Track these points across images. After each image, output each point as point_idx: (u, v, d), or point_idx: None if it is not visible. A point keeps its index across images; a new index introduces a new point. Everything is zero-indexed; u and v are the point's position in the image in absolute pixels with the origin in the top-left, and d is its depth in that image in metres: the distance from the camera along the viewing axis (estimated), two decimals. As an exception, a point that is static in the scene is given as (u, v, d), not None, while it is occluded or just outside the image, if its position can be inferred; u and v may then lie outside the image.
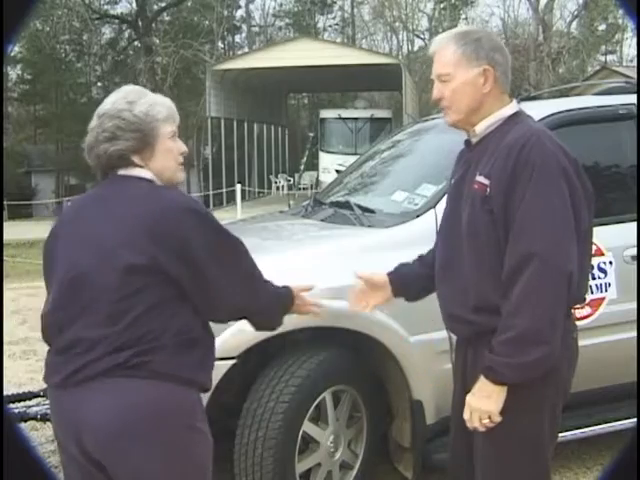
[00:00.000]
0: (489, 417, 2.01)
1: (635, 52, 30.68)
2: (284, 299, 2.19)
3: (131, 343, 1.77)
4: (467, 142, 2.26)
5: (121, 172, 1.94)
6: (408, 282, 2.48)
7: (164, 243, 1.80)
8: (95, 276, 1.81)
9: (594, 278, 3.26)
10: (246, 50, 34.30)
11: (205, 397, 2.66)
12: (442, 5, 39.66)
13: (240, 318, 2.12)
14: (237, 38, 41.61)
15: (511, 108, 2.16)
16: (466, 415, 2.06)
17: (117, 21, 33.76)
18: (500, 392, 2.00)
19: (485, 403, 2.01)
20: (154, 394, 1.78)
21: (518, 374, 1.96)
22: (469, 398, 2.06)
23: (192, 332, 1.87)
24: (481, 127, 2.15)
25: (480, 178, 2.06)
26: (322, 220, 3.72)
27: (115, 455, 1.78)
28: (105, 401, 1.75)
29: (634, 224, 3.18)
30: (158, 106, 1.96)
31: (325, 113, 25.84)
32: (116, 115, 1.91)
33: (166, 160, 1.97)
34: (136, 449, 1.76)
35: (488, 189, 2.02)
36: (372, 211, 3.52)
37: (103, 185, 1.99)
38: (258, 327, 2.22)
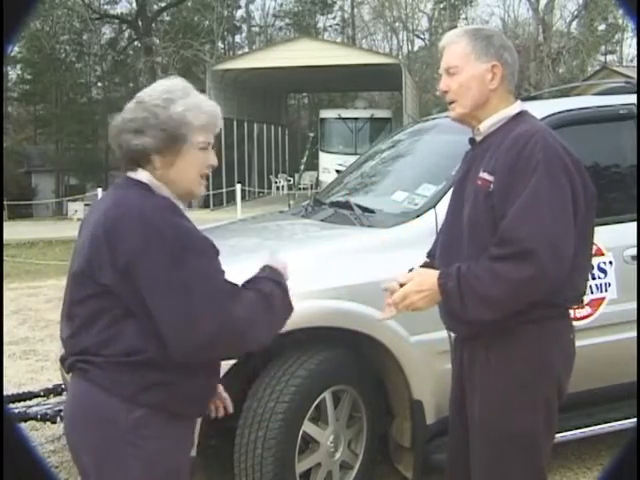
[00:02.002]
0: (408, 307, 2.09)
1: (635, 52, 30.69)
2: (274, 296, 1.86)
3: (77, 351, 1.82)
4: (471, 140, 2.26)
5: (129, 174, 1.86)
6: None
7: (106, 255, 1.70)
8: (70, 278, 1.87)
9: (594, 278, 3.26)
10: (246, 50, 34.32)
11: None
12: (442, 5, 39.67)
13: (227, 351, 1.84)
14: (237, 38, 41.68)
15: (515, 108, 2.17)
16: (396, 296, 2.10)
17: (117, 21, 33.79)
18: (434, 296, 2.06)
19: (417, 295, 2.07)
20: (92, 397, 1.79)
21: (458, 298, 2.00)
22: (409, 284, 2.09)
23: (141, 354, 1.73)
24: (485, 125, 2.16)
25: (484, 174, 2.07)
26: (322, 220, 3.72)
27: (69, 441, 1.91)
28: (69, 390, 1.92)
29: (634, 224, 3.18)
30: (198, 111, 1.81)
31: (325, 113, 25.85)
32: (149, 108, 1.78)
33: (188, 170, 1.81)
34: (75, 443, 1.87)
35: (492, 185, 2.03)
36: (372, 211, 3.52)
37: (112, 186, 1.98)
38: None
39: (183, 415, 1.85)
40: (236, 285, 1.81)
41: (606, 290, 3.32)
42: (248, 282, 1.88)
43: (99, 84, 37.42)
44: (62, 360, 1.93)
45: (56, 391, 3.82)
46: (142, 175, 1.83)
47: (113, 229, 1.71)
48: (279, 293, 1.88)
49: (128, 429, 1.75)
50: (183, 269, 1.67)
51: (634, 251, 3.28)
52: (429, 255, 2.43)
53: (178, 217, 1.76)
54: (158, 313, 1.68)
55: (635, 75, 12.72)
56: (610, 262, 3.32)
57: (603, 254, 3.29)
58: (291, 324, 2.84)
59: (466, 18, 38.56)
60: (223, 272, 1.78)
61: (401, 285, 2.11)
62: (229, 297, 1.73)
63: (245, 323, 1.74)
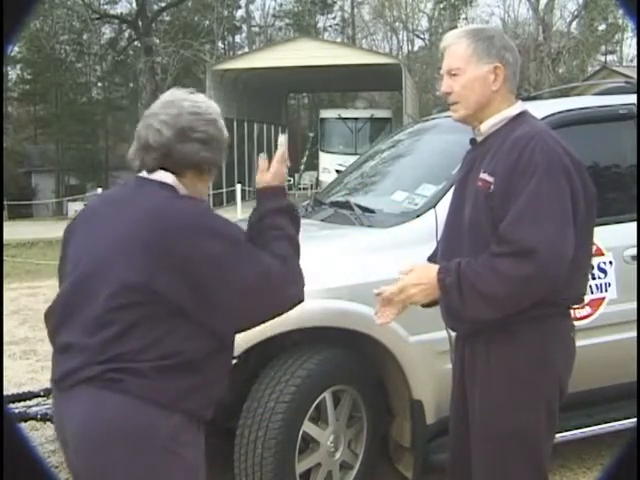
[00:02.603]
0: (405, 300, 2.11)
1: (635, 52, 30.69)
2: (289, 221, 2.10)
3: (108, 358, 1.71)
4: (472, 140, 2.26)
5: (150, 175, 1.85)
6: None
7: (163, 262, 1.71)
8: (90, 283, 1.77)
9: (594, 278, 3.26)
10: (246, 50, 34.30)
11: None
12: (442, 5, 39.67)
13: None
14: (237, 38, 41.69)
15: (517, 108, 2.17)
16: (394, 288, 2.12)
17: (117, 21, 33.78)
18: (433, 290, 2.06)
19: (415, 288, 2.08)
20: (127, 411, 1.70)
21: (457, 293, 2.01)
22: (408, 276, 2.11)
23: (181, 356, 1.74)
24: (486, 126, 2.16)
25: (484, 175, 2.07)
26: (322, 220, 3.72)
27: (83, 465, 1.75)
28: (81, 409, 1.73)
29: (634, 224, 3.18)
30: (224, 132, 1.94)
31: (325, 113, 25.84)
32: (212, 121, 1.87)
33: (204, 188, 1.95)
34: (101, 462, 1.72)
35: (492, 186, 2.03)
36: (372, 211, 3.51)
37: (125, 187, 1.93)
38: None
39: (205, 419, 1.85)
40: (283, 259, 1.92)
41: (606, 290, 3.32)
42: (266, 227, 1.98)
43: (99, 84, 37.42)
44: (68, 374, 1.75)
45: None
46: (167, 177, 1.85)
47: (171, 236, 1.73)
48: (293, 228, 2.10)
49: (168, 437, 1.71)
50: (246, 259, 1.78)
51: (634, 251, 3.28)
52: (430, 259, 2.42)
53: (218, 215, 1.86)
54: (225, 304, 1.76)
55: (635, 75, 12.72)
56: (610, 262, 3.32)
57: (603, 254, 3.29)
58: (291, 324, 2.86)
59: (466, 18, 38.55)
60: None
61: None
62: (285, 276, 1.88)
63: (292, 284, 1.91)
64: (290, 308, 1.89)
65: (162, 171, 1.85)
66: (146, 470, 1.70)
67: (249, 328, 1.92)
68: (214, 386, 1.85)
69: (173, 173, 1.86)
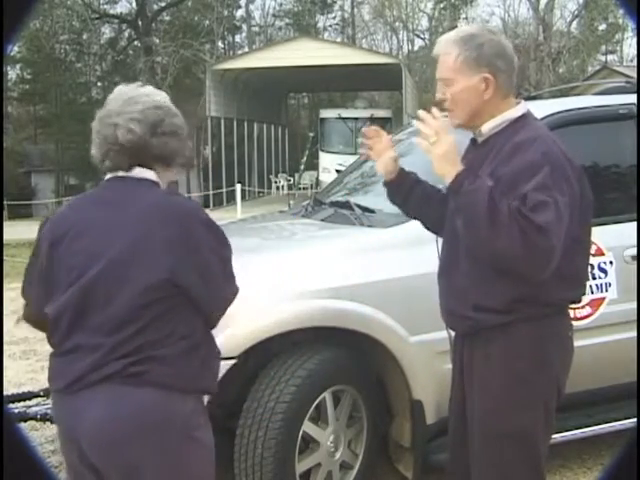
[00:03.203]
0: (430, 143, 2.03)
1: (635, 52, 30.70)
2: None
3: (129, 352, 1.74)
4: (473, 140, 2.26)
5: (130, 174, 1.86)
6: (415, 187, 2.48)
7: (183, 256, 1.78)
8: (103, 287, 1.77)
9: (594, 278, 3.26)
10: (246, 50, 34.29)
11: (205, 397, 2.67)
12: (442, 5, 39.65)
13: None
14: (237, 38, 41.66)
15: (518, 110, 2.16)
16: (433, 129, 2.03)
17: (117, 21, 33.77)
18: (452, 166, 2.00)
19: (447, 146, 2.02)
20: (148, 403, 1.75)
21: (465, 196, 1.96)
22: (445, 144, 2.03)
23: (194, 336, 1.84)
24: (487, 127, 2.16)
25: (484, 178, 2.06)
26: (322, 220, 3.72)
27: (109, 462, 1.78)
28: (102, 408, 1.74)
29: (634, 224, 3.18)
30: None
31: (325, 113, 25.83)
32: (175, 113, 1.91)
33: (173, 176, 1.99)
34: (129, 457, 1.75)
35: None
36: (372, 211, 3.51)
37: (109, 187, 1.90)
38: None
39: (212, 393, 1.99)
40: None
41: (606, 290, 3.32)
42: None
43: (99, 84, 37.37)
44: (86, 374, 1.75)
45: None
46: (149, 174, 1.88)
47: (185, 229, 1.80)
48: None
49: (184, 423, 1.80)
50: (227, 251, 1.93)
51: (634, 251, 3.28)
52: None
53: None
54: (223, 290, 1.91)
55: (635, 75, 12.72)
56: (610, 262, 3.31)
57: (603, 254, 3.29)
58: (291, 324, 2.86)
59: (466, 18, 38.54)
60: None
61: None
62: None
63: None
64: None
65: (139, 168, 1.87)
66: (170, 459, 1.77)
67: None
68: (214, 359, 1.95)
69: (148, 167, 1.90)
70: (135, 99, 1.88)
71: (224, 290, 1.92)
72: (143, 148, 1.85)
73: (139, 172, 1.87)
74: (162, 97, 1.94)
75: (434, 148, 2.03)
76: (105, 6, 35.21)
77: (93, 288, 1.78)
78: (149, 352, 1.75)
